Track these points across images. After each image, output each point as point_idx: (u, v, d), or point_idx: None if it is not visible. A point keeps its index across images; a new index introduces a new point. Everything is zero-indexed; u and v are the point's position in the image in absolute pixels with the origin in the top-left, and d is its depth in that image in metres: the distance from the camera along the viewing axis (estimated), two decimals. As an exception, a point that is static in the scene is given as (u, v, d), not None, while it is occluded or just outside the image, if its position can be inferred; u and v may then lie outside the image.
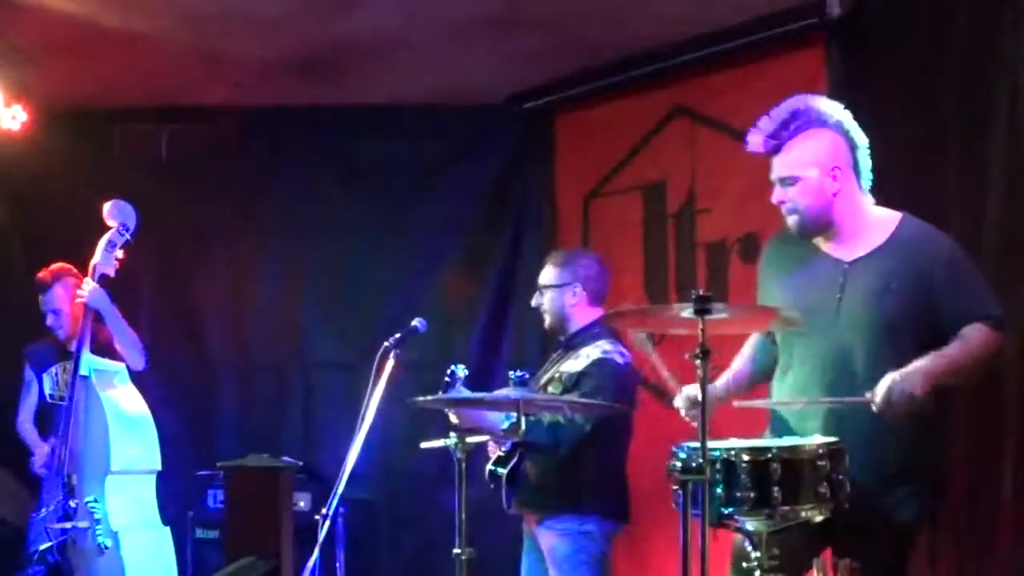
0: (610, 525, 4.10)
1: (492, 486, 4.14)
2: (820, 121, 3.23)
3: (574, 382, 4.03)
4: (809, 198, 3.23)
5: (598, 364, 4.04)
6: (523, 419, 3.68)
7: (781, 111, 3.25)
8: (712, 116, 5.39)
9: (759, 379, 3.52)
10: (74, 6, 4.99)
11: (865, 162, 3.27)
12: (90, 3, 4.99)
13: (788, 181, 3.25)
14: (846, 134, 3.25)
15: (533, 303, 4.33)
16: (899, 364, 3.05)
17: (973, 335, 3.10)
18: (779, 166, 3.27)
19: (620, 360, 4.08)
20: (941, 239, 3.22)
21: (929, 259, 3.16)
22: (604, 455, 4.08)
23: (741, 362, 3.55)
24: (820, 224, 3.27)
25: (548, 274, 4.26)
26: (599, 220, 6.00)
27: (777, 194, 3.29)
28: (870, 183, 3.29)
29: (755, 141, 3.27)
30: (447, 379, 4.13)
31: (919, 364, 3.03)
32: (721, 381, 3.49)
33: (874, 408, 3.01)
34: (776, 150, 3.25)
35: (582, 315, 4.19)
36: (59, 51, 5.48)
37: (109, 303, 4.98)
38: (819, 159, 3.22)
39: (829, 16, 4.81)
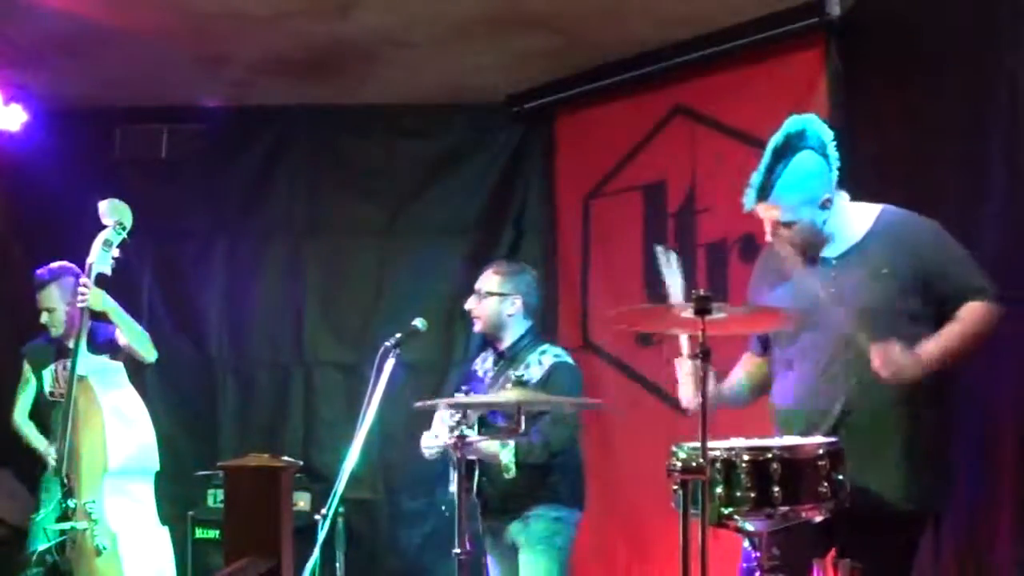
0: (577, 513, 4.20)
1: (447, 513, 4.02)
2: (796, 147, 3.23)
3: (543, 386, 4.09)
4: (807, 232, 3.27)
5: (559, 368, 4.17)
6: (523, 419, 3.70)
7: (764, 159, 3.25)
8: (712, 116, 5.38)
9: (757, 396, 3.55)
10: (74, 6, 4.99)
11: (834, 155, 3.27)
12: (90, 3, 5.00)
13: (785, 225, 3.27)
14: (818, 140, 3.24)
15: (467, 306, 4.34)
16: None
17: (968, 316, 3.15)
18: (774, 212, 3.26)
19: (573, 362, 4.26)
20: (923, 222, 3.27)
21: (915, 241, 3.21)
22: (573, 450, 4.22)
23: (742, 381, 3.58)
24: (817, 246, 3.31)
25: (492, 282, 4.29)
26: (599, 220, 5.99)
27: (771, 231, 3.30)
28: (839, 171, 3.28)
29: (751, 199, 3.27)
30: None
31: (918, 351, 3.08)
32: (727, 386, 3.52)
33: (874, 363, 3.06)
34: (767, 196, 3.25)
35: (517, 326, 4.27)
36: (59, 51, 5.48)
37: (111, 302, 4.95)
38: (811, 196, 3.23)
39: (829, 16, 4.82)
